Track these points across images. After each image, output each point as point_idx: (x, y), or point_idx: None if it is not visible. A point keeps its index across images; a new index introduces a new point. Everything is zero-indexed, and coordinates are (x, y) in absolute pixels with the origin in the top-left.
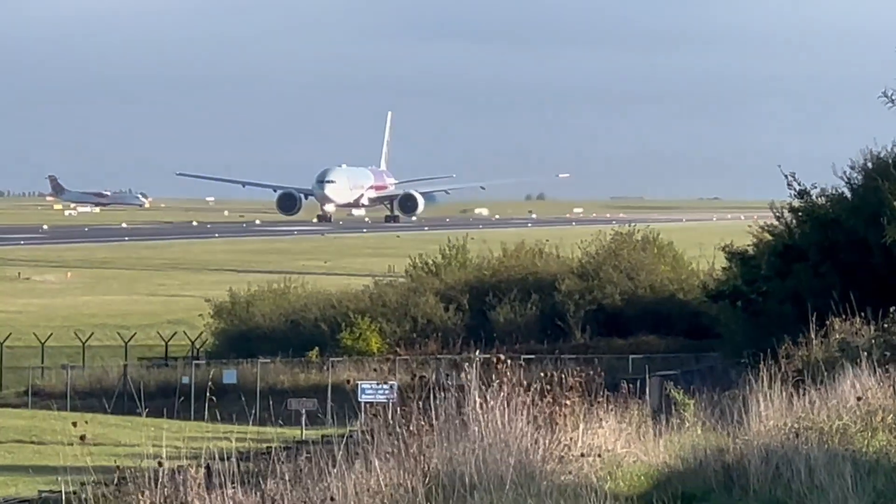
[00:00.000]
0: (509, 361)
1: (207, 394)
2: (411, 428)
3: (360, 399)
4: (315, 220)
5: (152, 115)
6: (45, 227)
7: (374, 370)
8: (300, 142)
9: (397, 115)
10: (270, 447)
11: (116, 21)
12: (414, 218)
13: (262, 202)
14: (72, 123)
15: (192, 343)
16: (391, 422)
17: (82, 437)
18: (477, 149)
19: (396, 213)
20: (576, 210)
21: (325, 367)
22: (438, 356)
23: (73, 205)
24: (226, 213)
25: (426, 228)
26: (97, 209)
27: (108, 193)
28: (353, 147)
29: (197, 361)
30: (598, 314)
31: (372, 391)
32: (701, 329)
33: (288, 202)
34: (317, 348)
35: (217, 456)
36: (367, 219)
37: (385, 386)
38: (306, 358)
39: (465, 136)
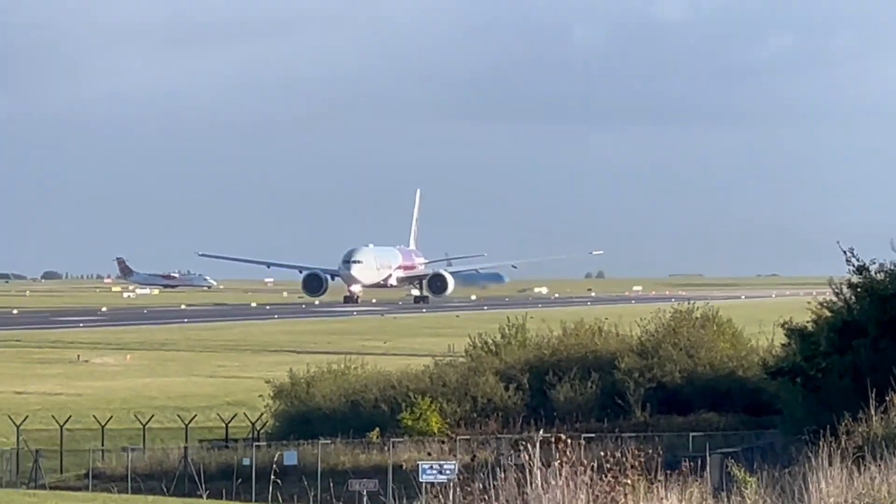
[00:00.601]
0: (569, 441)
1: (272, 476)
2: None
3: (420, 479)
4: (342, 301)
5: (188, 198)
6: (103, 309)
7: (429, 453)
8: (332, 221)
9: (435, 194)
10: None
11: (175, 101)
12: (447, 298)
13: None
14: (127, 205)
15: (253, 424)
16: (452, 502)
17: None
18: (529, 227)
19: (426, 293)
20: (635, 288)
21: (385, 448)
22: (499, 436)
23: (131, 287)
24: (284, 294)
25: (485, 308)
26: (156, 291)
27: (176, 275)
28: (386, 226)
29: (257, 443)
30: (657, 392)
31: (433, 472)
32: (761, 406)
33: (314, 283)
34: (377, 429)
35: None
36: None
37: (446, 466)
38: (367, 438)
39: (511, 216)
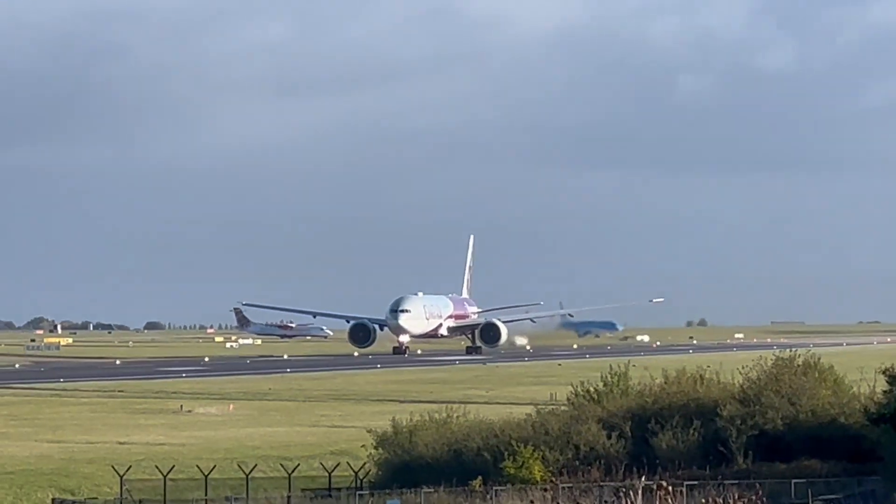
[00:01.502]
0: (671, 488)
1: None
2: None
3: None
4: (392, 352)
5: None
6: (206, 359)
7: (531, 502)
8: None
9: (539, 241)
10: None
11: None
12: (500, 348)
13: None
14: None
15: (356, 473)
16: None
17: None
18: (632, 273)
19: (478, 343)
20: (737, 335)
21: (488, 497)
22: (601, 484)
23: (234, 337)
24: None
25: (587, 356)
26: (258, 341)
27: (294, 326)
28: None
29: (360, 492)
30: (759, 439)
31: None
32: (862, 453)
33: (361, 333)
34: (480, 477)
35: None
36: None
37: None
38: (469, 487)
39: (612, 262)
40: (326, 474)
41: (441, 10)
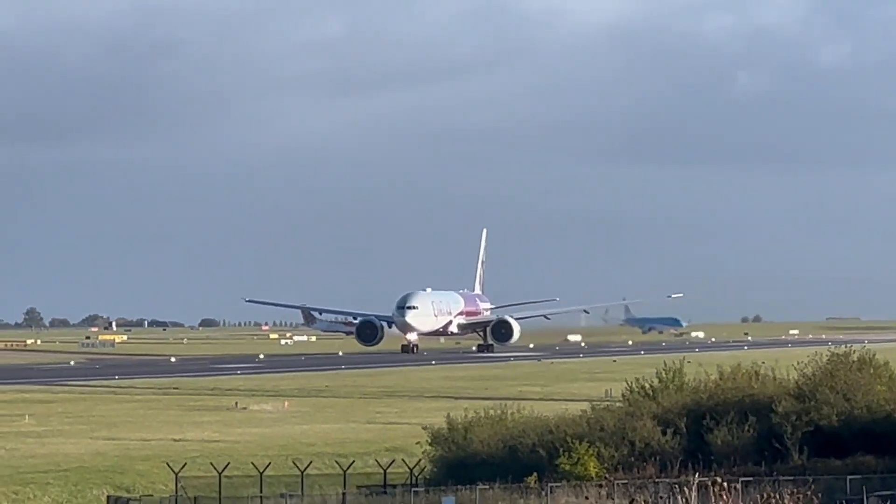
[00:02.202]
0: (727, 484)
1: None
2: None
3: None
4: (400, 350)
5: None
6: (261, 356)
7: (587, 498)
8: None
9: (581, 236)
10: None
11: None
12: (512, 346)
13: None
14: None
15: (411, 470)
16: None
17: None
18: (686, 268)
19: (490, 341)
20: (792, 331)
21: (543, 493)
22: (657, 480)
23: (288, 334)
24: (441, 340)
25: (642, 353)
26: (312, 338)
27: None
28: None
29: (415, 488)
30: (815, 435)
31: None
32: None
33: (368, 331)
34: (535, 474)
35: None
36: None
37: None
38: (524, 483)
39: (665, 258)
40: (381, 471)
41: (493, 5)
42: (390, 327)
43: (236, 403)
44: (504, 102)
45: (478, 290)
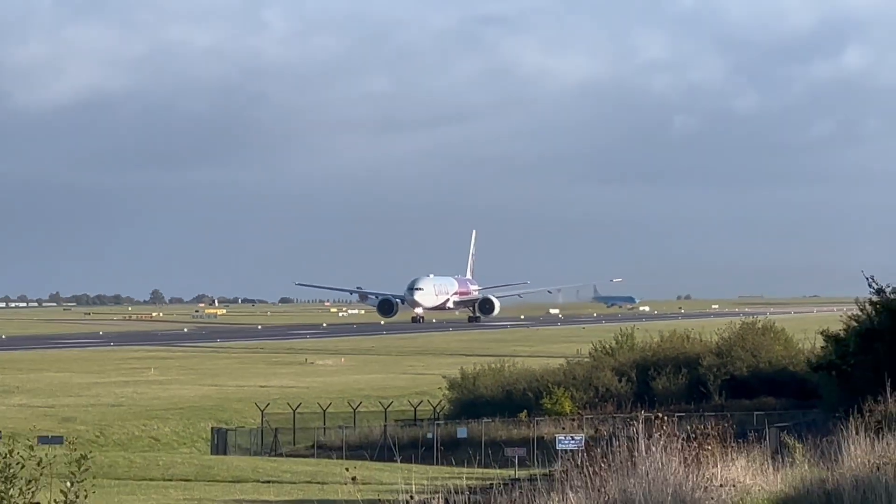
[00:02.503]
0: (665, 418)
1: (438, 445)
2: (595, 468)
3: (557, 447)
4: (410, 321)
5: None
6: (324, 324)
7: (563, 428)
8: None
9: (558, 240)
10: (492, 483)
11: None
12: (495, 318)
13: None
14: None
15: (434, 408)
16: (580, 464)
17: (354, 479)
18: (638, 264)
19: (478, 314)
20: (713, 306)
21: (531, 425)
22: (614, 416)
23: (344, 308)
24: (457, 313)
25: (604, 322)
26: (362, 311)
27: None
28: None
29: (437, 422)
30: (730, 382)
31: (566, 441)
32: (806, 392)
33: (387, 307)
34: (525, 411)
35: (453, 490)
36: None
37: (576, 437)
38: (517, 418)
39: (621, 256)
40: (412, 409)
41: (501, 68)
42: (403, 304)
43: (306, 359)
44: (505, 140)
45: (469, 276)
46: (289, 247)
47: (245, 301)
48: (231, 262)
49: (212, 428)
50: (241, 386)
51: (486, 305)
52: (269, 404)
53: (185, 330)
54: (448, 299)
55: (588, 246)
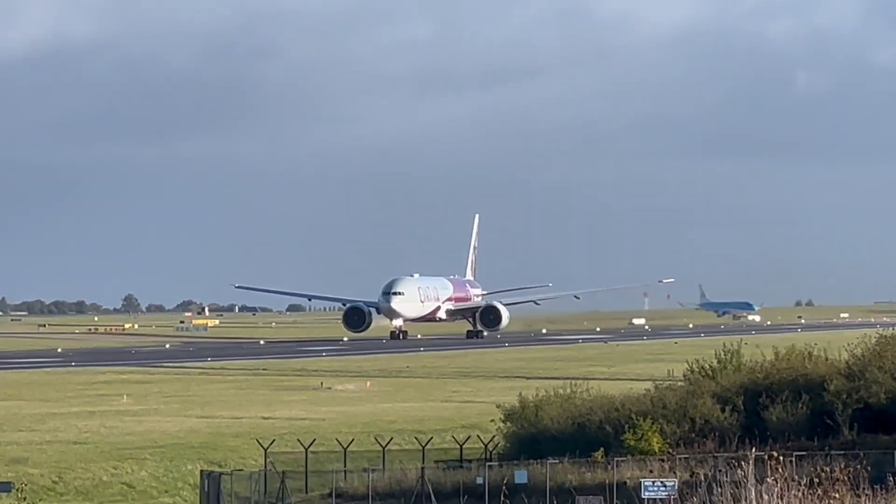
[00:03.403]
0: (782, 458)
1: (499, 495)
2: None
3: (643, 496)
4: (389, 337)
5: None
6: (345, 339)
7: (650, 471)
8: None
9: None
10: None
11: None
12: (499, 335)
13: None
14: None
15: (485, 446)
16: None
17: None
18: (745, 259)
19: (479, 327)
20: (842, 315)
21: (609, 467)
22: (716, 454)
23: None
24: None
25: (702, 335)
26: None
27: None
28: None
29: (490, 463)
30: (864, 412)
31: (654, 488)
32: None
33: (355, 317)
34: (602, 448)
35: None
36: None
37: (667, 483)
38: (592, 458)
39: (726, 247)
40: (458, 447)
41: (571, 9)
42: (379, 313)
43: (322, 383)
44: (578, 103)
45: (469, 276)
46: (300, 238)
47: (244, 309)
48: (226, 259)
49: (201, 471)
50: (238, 418)
51: (490, 315)
52: (274, 441)
53: (167, 346)
54: (439, 307)
55: (669, 235)
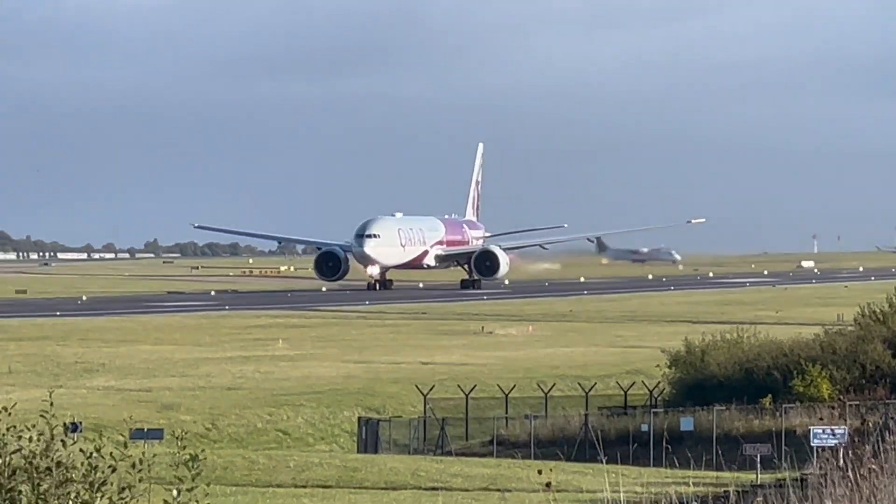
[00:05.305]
0: None
1: (663, 442)
2: (862, 472)
3: (812, 443)
4: (366, 287)
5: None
6: (506, 282)
7: (820, 419)
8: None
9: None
10: (727, 491)
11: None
12: (499, 281)
13: None
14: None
15: (650, 392)
16: (843, 466)
17: (547, 485)
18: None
19: (475, 275)
20: None
21: (777, 414)
22: (887, 401)
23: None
24: (680, 267)
25: (873, 279)
26: (557, 266)
27: (646, 251)
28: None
29: (655, 409)
30: None
31: (825, 436)
32: None
33: (330, 263)
34: (769, 395)
35: (675, 499)
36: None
37: (837, 431)
38: (759, 405)
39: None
40: (622, 393)
41: None
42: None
43: (482, 327)
44: (752, 38)
45: (470, 216)
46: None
47: None
48: (390, 199)
49: (359, 418)
50: (397, 363)
51: (485, 262)
52: (433, 387)
53: (324, 289)
54: (426, 252)
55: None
